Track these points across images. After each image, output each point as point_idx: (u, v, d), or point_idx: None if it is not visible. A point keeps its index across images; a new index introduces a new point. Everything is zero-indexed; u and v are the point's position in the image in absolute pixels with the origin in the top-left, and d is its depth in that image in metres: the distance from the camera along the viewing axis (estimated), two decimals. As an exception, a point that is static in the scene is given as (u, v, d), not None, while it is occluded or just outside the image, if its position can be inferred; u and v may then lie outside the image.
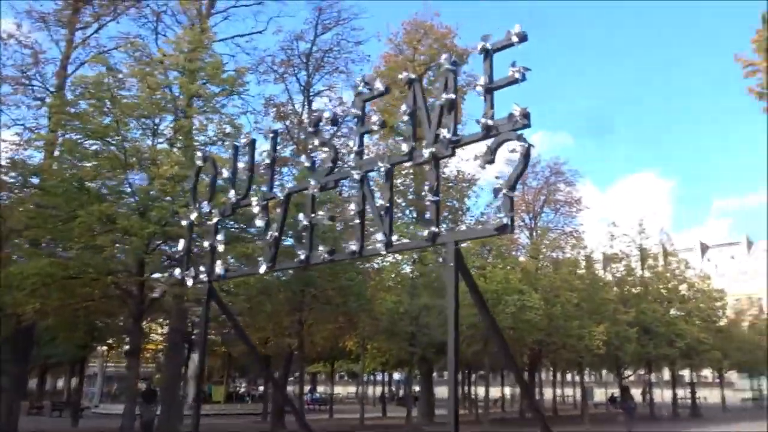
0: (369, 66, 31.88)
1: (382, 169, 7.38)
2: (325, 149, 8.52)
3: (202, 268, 9.41)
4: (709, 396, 56.54)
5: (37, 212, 12.83)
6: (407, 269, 26.22)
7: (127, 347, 32.30)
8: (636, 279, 38.06)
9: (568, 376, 56.17)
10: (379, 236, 7.10)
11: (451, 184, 33.23)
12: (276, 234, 8.43)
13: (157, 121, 15.44)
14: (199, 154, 10.23)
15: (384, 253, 7.27)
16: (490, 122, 6.50)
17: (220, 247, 9.33)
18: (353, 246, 7.39)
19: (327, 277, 17.47)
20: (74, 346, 25.55)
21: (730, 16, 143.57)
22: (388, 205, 7.27)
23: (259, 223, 8.72)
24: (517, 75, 6.38)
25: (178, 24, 24.86)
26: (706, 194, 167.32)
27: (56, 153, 15.42)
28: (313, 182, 8.02)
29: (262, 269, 8.43)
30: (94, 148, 14.05)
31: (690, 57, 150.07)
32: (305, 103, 30.01)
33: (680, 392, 44.85)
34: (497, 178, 6.29)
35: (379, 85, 7.79)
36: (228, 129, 15.29)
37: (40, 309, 14.07)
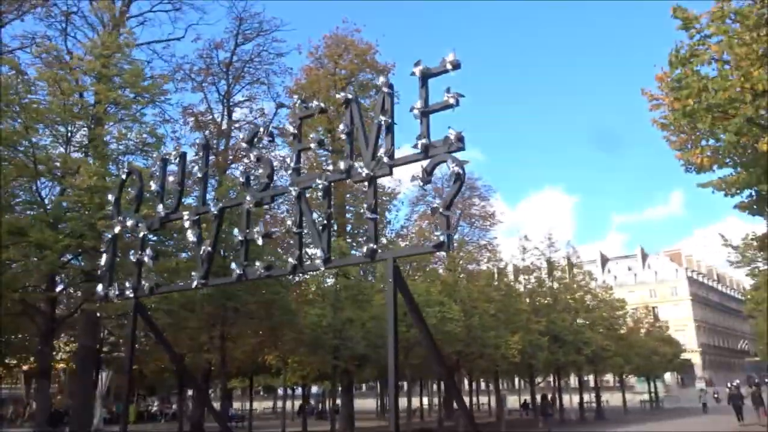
0: (290, 78, 31.76)
1: (320, 186, 7.50)
2: (259, 164, 8.56)
3: (127, 284, 9.14)
4: (611, 399, 59.75)
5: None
6: (329, 282, 26.22)
7: (25, 367, 30.31)
8: (546, 290, 39.83)
9: (482, 385, 57.91)
10: (318, 252, 7.21)
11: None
12: (209, 249, 8.34)
13: (69, 128, 14.70)
14: (121, 165, 9.89)
15: (323, 269, 7.37)
16: (426, 142, 6.79)
17: (148, 262, 9.10)
18: (292, 261, 7.45)
19: (249, 291, 17.18)
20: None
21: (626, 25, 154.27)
22: (326, 222, 7.38)
23: (191, 237, 8.57)
24: (451, 100, 6.73)
25: (89, 26, 23.89)
26: (606, 209, 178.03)
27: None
28: (249, 197, 8.02)
29: (195, 284, 8.31)
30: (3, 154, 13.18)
31: (594, 73, 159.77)
32: (224, 113, 29.50)
33: (585, 396, 47.25)
34: (435, 197, 6.60)
35: (316, 103, 7.91)
36: (148, 139, 14.80)
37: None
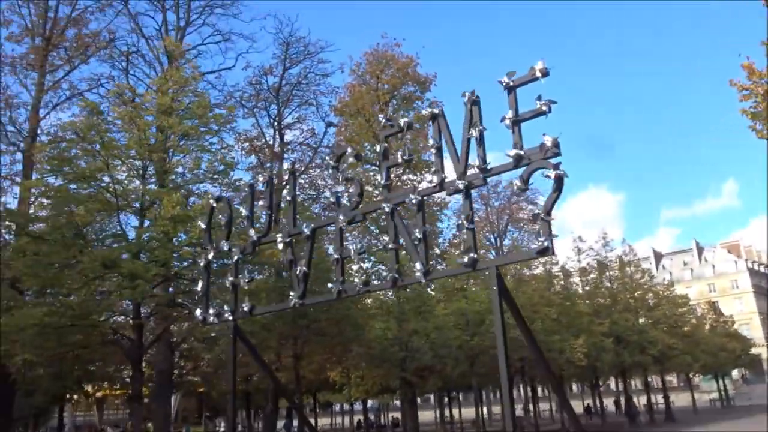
0: (336, 97, 32.39)
1: (414, 201, 7.70)
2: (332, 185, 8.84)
3: (225, 306, 9.51)
4: (676, 399, 58.06)
5: (34, 260, 12.56)
6: (389, 294, 26.45)
7: (99, 394, 31.35)
8: (605, 290, 39.17)
9: (538, 392, 57.02)
10: (418, 265, 7.39)
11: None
12: (305, 269, 8.61)
13: (145, 162, 15.39)
14: (195, 194, 10.33)
15: (423, 281, 7.56)
16: (521, 152, 6.93)
17: (243, 285, 9.46)
18: (392, 275, 7.66)
19: (320, 308, 17.53)
20: (50, 396, 24.69)
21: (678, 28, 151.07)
22: (421, 235, 7.57)
23: (285, 258, 8.88)
24: (544, 108, 6.84)
25: (147, 63, 24.97)
26: (654, 205, 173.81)
27: (42, 200, 15.22)
28: (341, 216, 8.27)
29: (293, 303, 8.59)
30: (85, 192, 13.90)
31: (635, 70, 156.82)
32: (275, 136, 30.21)
33: (651, 398, 46.04)
34: (534, 204, 6.72)
35: (400, 122, 8.12)
36: (218, 167, 15.37)
37: (28, 359, 13.75)
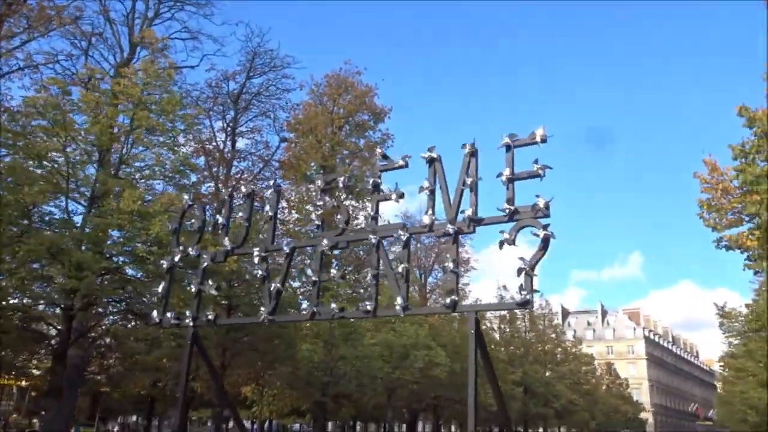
0: (293, 114, 32.48)
1: (402, 237, 8.01)
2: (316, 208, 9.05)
3: (188, 312, 9.38)
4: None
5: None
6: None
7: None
8: (519, 340, 40.61)
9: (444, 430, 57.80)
10: (399, 300, 7.66)
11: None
12: (279, 285, 8.69)
13: (103, 150, 14.93)
14: (185, 196, 10.24)
15: (402, 315, 7.82)
16: (512, 208, 7.41)
17: (210, 293, 9.39)
18: (368, 305, 7.88)
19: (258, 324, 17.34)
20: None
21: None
22: (404, 271, 7.86)
23: (259, 272, 8.94)
24: (540, 171, 7.38)
25: (107, 46, 24.25)
26: (567, 264, 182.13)
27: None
28: (325, 241, 8.45)
29: (262, 318, 8.62)
30: (38, 171, 13.29)
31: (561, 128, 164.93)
32: (226, 141, 29.83)
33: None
34: (520, 259, 7.16)
35: (401, 160, 8.42)
36: (181, 167, 15.12)
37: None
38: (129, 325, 17.17)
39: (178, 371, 22.24)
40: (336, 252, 12.41)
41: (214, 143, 28.74)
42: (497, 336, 39.37)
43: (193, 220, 10.01)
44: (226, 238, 9.43)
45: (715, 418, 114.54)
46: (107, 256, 12.77)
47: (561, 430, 47.26)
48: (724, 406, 50.51)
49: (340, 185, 8.59)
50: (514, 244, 7.35)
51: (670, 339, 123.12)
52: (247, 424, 50.87)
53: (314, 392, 22.51)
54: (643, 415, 75.21)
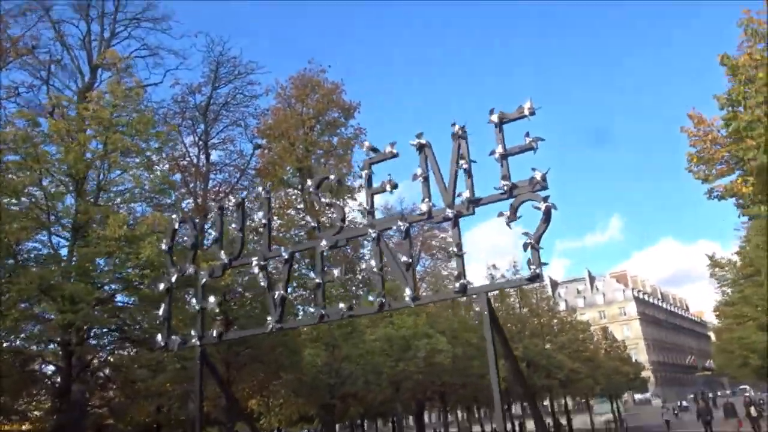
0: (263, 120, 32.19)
1: (402, 228, 7.92)
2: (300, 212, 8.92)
3: (192, 332, 9.20)
4: (574, 421, 60.89)
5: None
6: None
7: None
8: (515, 317, 40.84)
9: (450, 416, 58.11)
10: (407, 291, 7.58)
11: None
12: (282, 292, 8.56)
13: (80, 178, 14.60)
14: (174, 215, 10.05)
15: (413, 305, 7.75)
16: (509, 184, 7.36)
17: (213, 309, 9.22)
18: (379, 300, 7.78)
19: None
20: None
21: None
22: (410, 261, 7.78)
23: (261, 282, 8.80)
24: (533, 144, 7.33)
25: (67, 73, 23.77)
26: (550, 236, 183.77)
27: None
28: (324, 241, 8.33)
29: (270, 327, 8.49)
30: (17, 207, 12.93)
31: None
32: (200, 155, 29.43)
33: (549, 420, 48.03)
34: (524, 233, 7.12)
35: (390, 149, 8.30)
36: (161, 186, 14.85)
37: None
38: (126, 353, 16.87)
39: (183, 394, 22.08)
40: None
41: (187, 158, 28.36)
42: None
43: (186, 238, 9.83)
44: (222, 252, 9.28)
45: (713, 367, 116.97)
46: (98, 285, 12.49)
47: (567, 399, 47.78)
48: (721, 354, 51.47)
49: (333, 183, 8.47)
50: (515, 220, 7.30)
51: (659, 296, 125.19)
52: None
53: (322, 396, 22.37)
54: (644, 374, 76.37)
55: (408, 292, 7.57)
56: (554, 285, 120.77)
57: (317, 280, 8.29)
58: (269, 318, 8.50)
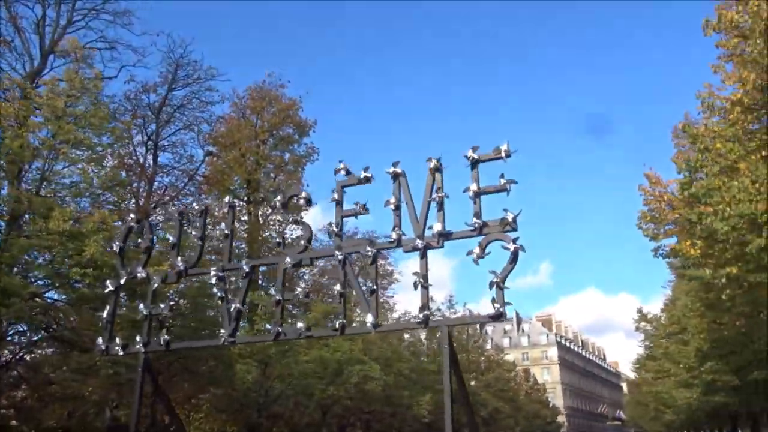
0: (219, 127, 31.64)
1: (369, 253, 7.95)
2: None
3: (138, 338, 8.85)
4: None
5: None
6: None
7: None
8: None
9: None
10: (369, 317, 7.58)
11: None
12: (239, 306, 8.39)
13: (23, 166, 13.91)
14: (131, 215, 9.72)
15: (373, 332, 7.74)
16: (480, 222, 7.54)
17: (165, 315, 8.93)
18: (337, 323, 7.75)
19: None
20: None
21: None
22: (374, 287, 7.81)
23: (217, 293, 8.60)
24: (507, 186, 7.55)
25: (16, 55, 22.72)
26: (481, 274, 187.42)
27: None
28: (288, 258, 8.24)
29: (223, 341, 8.29)
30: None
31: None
32: (147, 155, 28.55)
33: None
34: (491, 272, 7.28)
35: (365, 174, 8.34)
36: (109, 183, 14.31)
37: None
38: (44, 353, 15.96)
39: (100, 401, 20.98)
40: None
41: (134, 158, 27.41)
42: (425, 347, 39.78)
43: (139, 240, 9.50)
44: (179, 258, 9.01)
45: (623, 417, 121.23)
46: (31, 280, 11.81)
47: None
48: (636, 407, 53.47)
49: (277, 204, 8.45)
50: (482, 257, 7.46)
51: (580, 343, 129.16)
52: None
53: (249, 414, 21.79)
54: (559, 418, 78.25)
55: (370, 318, 7.57)
56: (482, 324, 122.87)
57: (277, 297, 8.17)
58: (222, 331, 8.29)
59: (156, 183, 27.39)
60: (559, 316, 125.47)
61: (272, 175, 35.17)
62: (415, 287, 7.60)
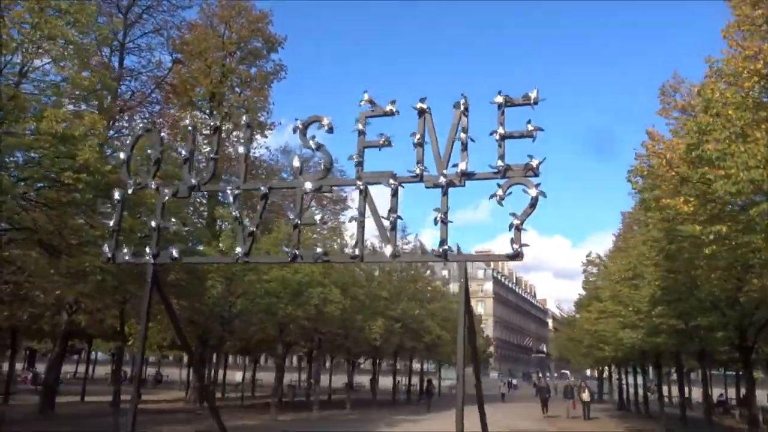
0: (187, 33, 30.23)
1: (392, 186, 8.14)
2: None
3: (147, 249, 8.87)
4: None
5: None
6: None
7: None
8: (395, 278, 42.41)
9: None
10: (389, 247, 7.89)
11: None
12: (252, 228, 8.51)
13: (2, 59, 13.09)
14: (140, 123, 9.46)
15: (393, 261, 8.06)
16: (504, 165, 7.83)
17: (175, 228, 8.96)
18: (355, 251, 8.03)
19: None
20: None
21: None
22: (394, 218, 8.06)
23: (233, 212, 8.68)
24: (534, 132, 7.83)
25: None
26: (423, 207, 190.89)
27: None
28: (308, 184, 8.34)
29: (238, 259, 8.45)
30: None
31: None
32: (111, 57, 27.12)
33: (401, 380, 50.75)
34: (512, 215, 7.63)
35: (390, 107, 8.41)
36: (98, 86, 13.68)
37: None
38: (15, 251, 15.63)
39: (56, 304, 20.84)
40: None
41: (97, 58, 25.94)
42: (377, 273, 40.83)
43: (150, 151, 9.32)
44: (192, 172, 8.95)
45: (546, 350, 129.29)
46: (17, 179, 11.38)
47: (424, 362, 50.75)
48: (566, 342, 57.10)
49: (325, 126, 8.45)
50: (503, 198, 7.80)
51: (514, 280, 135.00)
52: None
53: (214, 327, 22.20)
54: (489, 349, 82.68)
55: (389, 248, 7.88)
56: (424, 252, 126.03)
57: (296, 221, 8.33)
58: (238, 249, 8.43)
59: (122, 87, 26.19)
60: (497, 251, 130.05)
61: (237, 89, 34.21)
62: (435, 223, 7.90)
